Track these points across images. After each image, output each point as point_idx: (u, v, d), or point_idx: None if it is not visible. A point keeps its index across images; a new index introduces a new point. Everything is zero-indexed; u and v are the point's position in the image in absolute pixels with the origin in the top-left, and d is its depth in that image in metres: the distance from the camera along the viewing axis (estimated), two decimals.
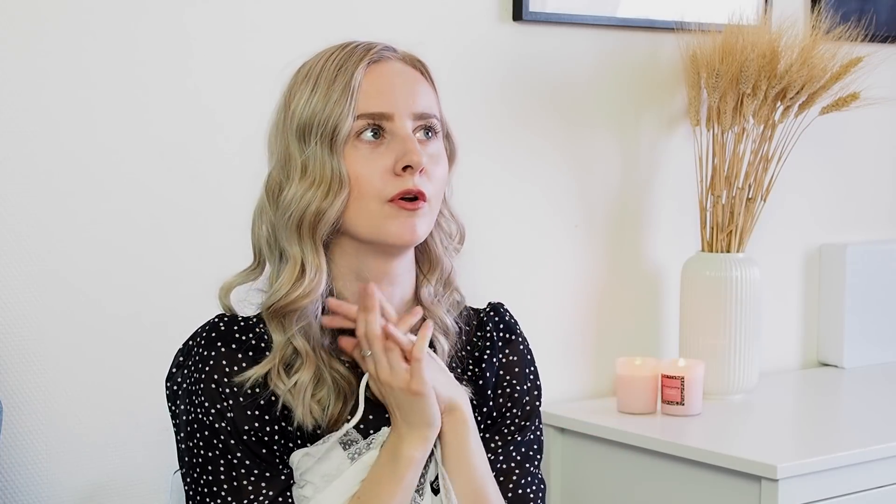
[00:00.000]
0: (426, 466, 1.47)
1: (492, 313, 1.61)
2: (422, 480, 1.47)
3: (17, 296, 1.90)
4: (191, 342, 1.48)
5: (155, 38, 1.99)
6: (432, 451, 1.47)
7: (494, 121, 2.36)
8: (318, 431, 1.46)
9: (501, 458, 1.54)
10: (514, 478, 1.54)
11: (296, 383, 1.43)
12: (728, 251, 2.47)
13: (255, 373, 1.43)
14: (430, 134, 1.47)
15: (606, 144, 2.51)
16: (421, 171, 1.43)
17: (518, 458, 1.56)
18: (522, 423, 1.57)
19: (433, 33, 2.26)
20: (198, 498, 1.46)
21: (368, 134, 1.44)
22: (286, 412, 1.44)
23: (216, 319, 1.48)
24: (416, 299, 1.53)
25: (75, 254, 1.94)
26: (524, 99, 2.39)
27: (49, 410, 1.93)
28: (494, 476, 1.51)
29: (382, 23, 2.19)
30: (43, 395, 1.93)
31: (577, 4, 2.41)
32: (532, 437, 1.58)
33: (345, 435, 1.45)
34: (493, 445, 1.55)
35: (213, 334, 1.46)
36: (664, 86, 2.55)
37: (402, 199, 1.43)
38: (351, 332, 1.46)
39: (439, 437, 1.46)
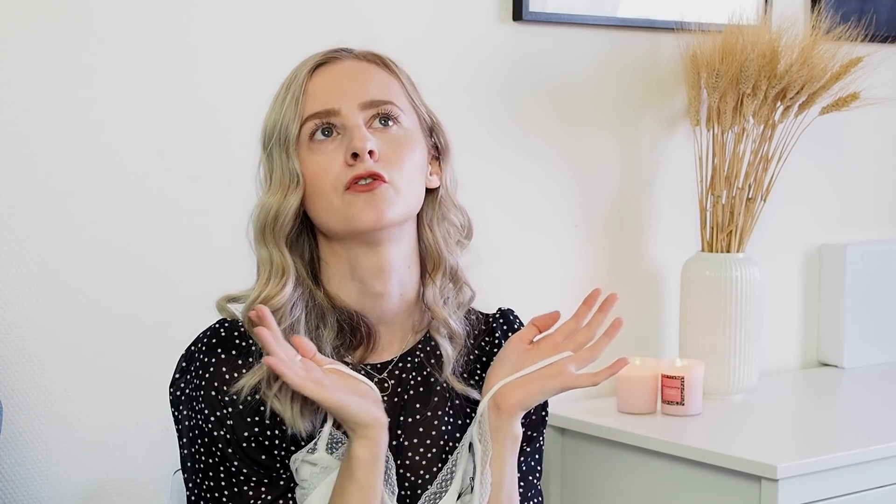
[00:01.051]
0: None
1: (501, 320, 1.61)
2: (445, 486, 1.47)
3: (17, 296, 1.90)
4: (193, 348, 1.48)
5: (156, 38, 1.99)
6: (472, 453, 1.47)
7: (494, 121, 2.36)
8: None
9: None
10: (520, 491, 1.53)
11: (280, 388, 1.41)
12: (728, 251, 2.47)
13: (245, 382, 1.42)
14: (388, 122, 1.48)
15: (606, 144, 2.51)
16: (371, 155, 1.43)
17: (524, 469, 1.55)
18: (530, 433, 1.56)
19: (433, 33, 2.26)
20: (200, 503, 1.46)
21: (320, 134, 1.46)
22: (279, 419, 1.43)
23: (217, 325, 1.48)
24: (421, 301, 1.52)
25: (75, 254, 1.94)
26: (524, 99, 2.39)
27: (49, 410, 1.93)
28: None
29: (383, 23, 2.19)
30: (43, 395, 1.93)
31: (577, 4, 2.41)
32: (538, 447, 1.58)
33: (330, 437, 1.44)
34: None
35: (214, 340, 1.46)
36: (664, 86, 2.55)
37: (357, 183, 1.43)
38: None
39: (493, 453, 1.46)
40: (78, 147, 1.93)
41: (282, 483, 1.45)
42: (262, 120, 1.53)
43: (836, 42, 2.46)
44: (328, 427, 1.44)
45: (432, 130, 1.54)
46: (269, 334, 1.36)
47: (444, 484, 1.48)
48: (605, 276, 2.52)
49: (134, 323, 1.99)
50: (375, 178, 1.43)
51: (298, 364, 1.38)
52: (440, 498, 1.47)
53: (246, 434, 1.43)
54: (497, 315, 1.61)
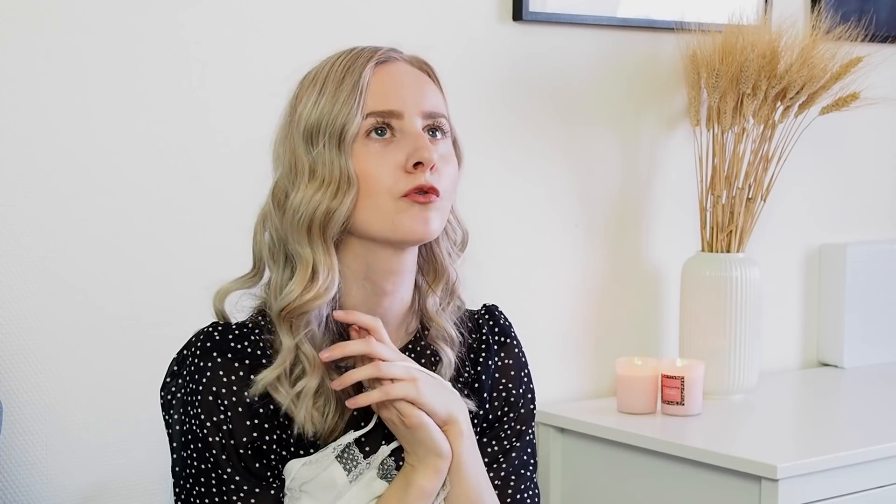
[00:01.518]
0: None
1: (486, 316, 1.61)
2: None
3: (17, 296, 1.90)
4: (185, 351, 1.46)
5: (154, 38, 1.99)
6: None
7: (494, 121, 2.36)
8: (317, 440, 1.45)
9: (503, 465, 1.54)
10: (512, 485, 1.53)
11: (300, 391, 1.42)
12: (728, 251, 2.47)
13: (264, 377, 1.42)
14: (438, 134, 1.46)
15: (606, 144, 2.51)
16: (432, 168, 1.42)
17: (516, 464, 1.55)
18: (519, 427, 1.56)
19: (433, 33, 2.26)
20: None
21: (377, 132, 1.43)
22: (285, 420, 1.43)
23: (210, 328, 1.47)
24: (418, 308, 1.53)
25: (75, 254, 1.94)
26: (524, 99, 2.39)
27: (49, 410, 1.93)
28: (493, 483, 1.51)
29: (383, 23, 2.19)
30: (43, 395, 1.92)
31: (577, 4, 2.41)
32: (527, 440, 1.58)
33: (346, 450, 1.44)
34: (489, 451, 1.54)
35: (208, 344, 1.45)
36: (664, 86, 2.55)
37: (417, 193, 1.42)
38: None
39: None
40: (77, 148, 1.93)
41: (272, 493, 1.44)
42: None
43: (836, 42, 2.46)
44: (361, 433, 1.44)
45: (454, 143, 1.53)
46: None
47: None
48: (605, 276, 2.52)
49: (133, 323, 1.99)
50: (432, 191, 1.42)
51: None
52: None
53: (244, 439, 1.42)
54: (482, 311, 1.61)
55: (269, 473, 1.45)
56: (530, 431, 1.59)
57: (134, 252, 1.99)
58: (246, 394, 1.42)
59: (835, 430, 2.39)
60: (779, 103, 2.46)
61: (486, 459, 1.52)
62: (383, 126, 1.43)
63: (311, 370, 1.43)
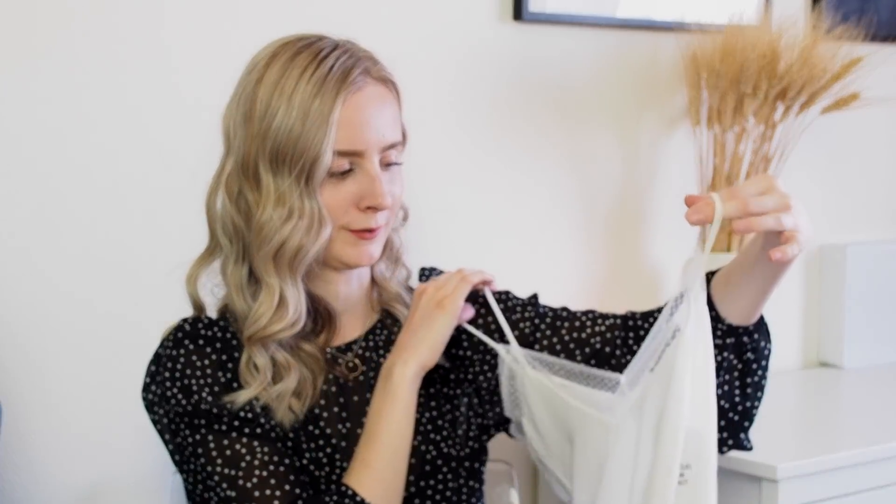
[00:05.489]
0: None
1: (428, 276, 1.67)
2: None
3: (16, 296, 1.90)
4: (159, 350, 1.50)
5: (135, 40, 1.99)
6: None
7: (494, 121, 2.36)
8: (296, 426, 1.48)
9: (566, 321, 1.61)
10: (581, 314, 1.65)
11: (280, 392, 1.46)
12: (728, 251, 2.47)
13: (246, 397, 1.45)
14: (392, 166, 1.49)
15: (607, 144, 2.51)
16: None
17: (557, 310, 1.66)
18: (528, 301, 1.65)
19: (433, 33, 2.26)
20: (200, 486, 1.44)
21: (338, 169, 1.45)
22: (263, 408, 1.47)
23: (180, 323, 1.51)
24: (373, 281, 1.58)
25: (75, 255, 1.94)
26: (524, 99, 2.39)
27: (49, 410, 1.93)
28: (579, 339, 1.58)
29: (382, 22, 2.19)
30: (43, 395, 1.92)
31: (577, 4, 2.41)
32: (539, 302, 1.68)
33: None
34: (561, 339, 1.58)
35: (179, 335, 1.49)
36: (664, 86, 2.55)
37: (364, 231, 1.47)
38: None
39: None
40: (77, 147, 1.93)
41: (273, 435, 1.46)
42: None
43: (836, 42, 2.46)
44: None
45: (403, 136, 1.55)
46: None
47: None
48: (605, 276, 2.52)
49: (133, 323, 1.99)
50: (378, 228, 1.48)
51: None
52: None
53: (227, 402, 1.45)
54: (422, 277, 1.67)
55: (261, 419, 1.47)
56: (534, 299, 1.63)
57: (134, 252, 1.98)
58: (220, 374, 1.45)
59: (835, 431, 2.39)
60: (779, 103, 2.46)
61: (565, 343, 1.56)
62: (347, 167, 1.45)
63: (289, 372, 1.47)
